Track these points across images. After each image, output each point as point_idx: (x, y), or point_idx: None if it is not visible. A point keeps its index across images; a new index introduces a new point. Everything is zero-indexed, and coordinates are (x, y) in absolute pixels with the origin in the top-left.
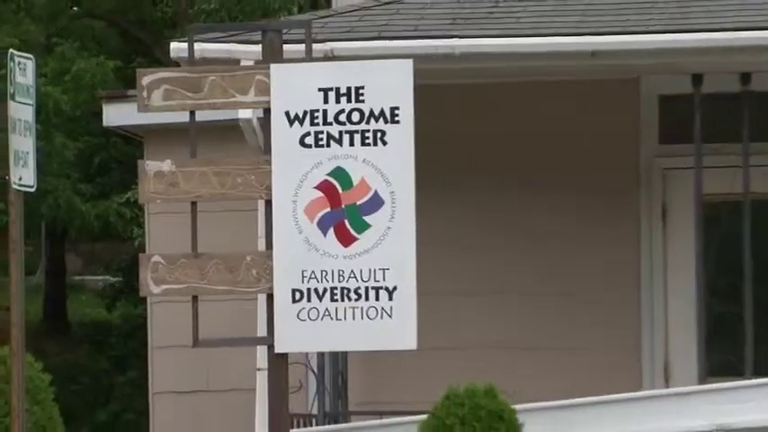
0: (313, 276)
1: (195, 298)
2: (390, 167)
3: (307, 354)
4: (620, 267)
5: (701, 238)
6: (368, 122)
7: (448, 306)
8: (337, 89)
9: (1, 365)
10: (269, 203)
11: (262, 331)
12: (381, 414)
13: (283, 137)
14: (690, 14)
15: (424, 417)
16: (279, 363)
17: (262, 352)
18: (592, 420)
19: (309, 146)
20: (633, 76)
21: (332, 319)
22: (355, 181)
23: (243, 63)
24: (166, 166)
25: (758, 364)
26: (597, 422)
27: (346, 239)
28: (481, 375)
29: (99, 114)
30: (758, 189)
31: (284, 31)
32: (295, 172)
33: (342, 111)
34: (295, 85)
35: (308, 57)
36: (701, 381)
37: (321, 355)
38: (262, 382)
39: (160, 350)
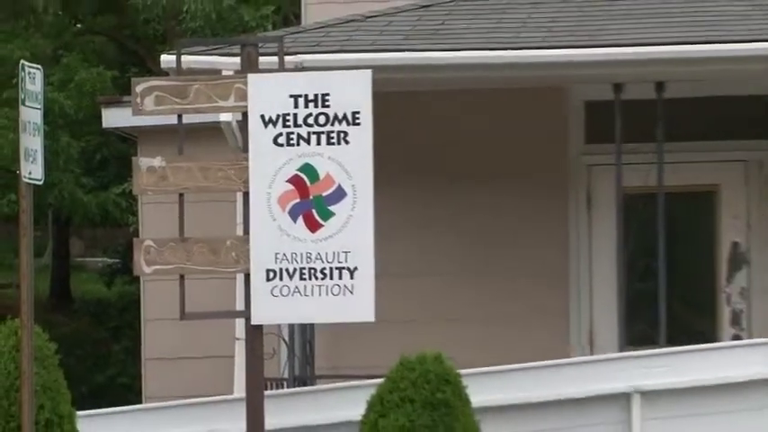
0: (284, 258)
1: (182, 277)
2: (352, 163)
3: (279, 325)
4: (551, 250)
5: (620, 224)
6: (332, 124)
7: (403, 285)
8: (306, 96)
9: (13, 336)
10: (246, 195)
11: (240, 306)
12: (344, 378)
13: (259, 137)
14: (611, 31)
15: (380, 380)
16: (254, 333)
17: (240, 324)
18: (527, 384)
19: (282, 145)
20: (562, 85)
21: (301, 295)
22: (321, 175)
23: (224, 73)
24: (157, 162)
25: (670, 334)
26: (531, 385)
27: (313, 226)
28: (431, 344)
29: (99, 117)
30: (670, 183)
31: (260, 45)
32: (269, 167)
33: (310, 114)
34: (269, 92)
35: (281, 67)
36: (621, 349)
37: (291, 326)
38: (240, 349)
39: (151, 322)
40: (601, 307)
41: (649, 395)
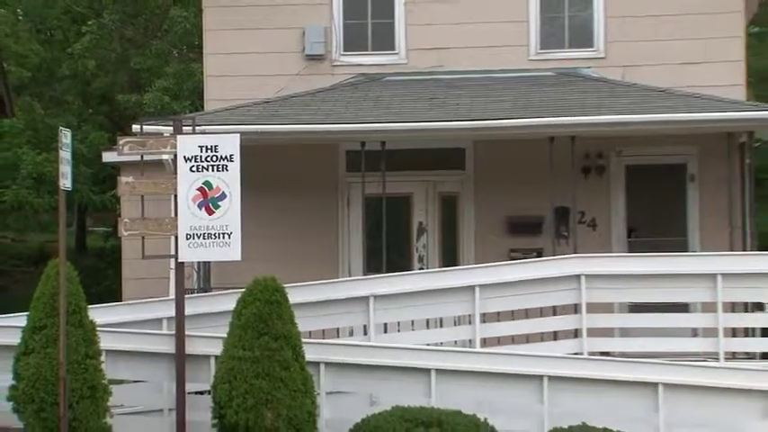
0: (195, 228)
1: (143, 237)
2: (229, 181)
3: (193, 262)
4: (329, 227)
5: (364, 213)
6: (219, 161)
7: (262, 242)
8: (206, 146)
9: (55, 267)
10: (176, 196)
11: (173, 252)
12: (226, 288)
13: (182, 167)
14: (361, 116)
15: (243, 289)
16: (180, 266)
17: (172, 261)
18: (316, 291)
19: (194, 171)
20: (336, 143)
21: (204, 247)
22: (214, 186)
23: (164, 134)
24: (130, 179)
25: (388, 268)
26: (320, 292)
27: (210, 212)
28: (271, 271)
29: (100, 157)
30: (389, 191)
31: (183, 120)
32: (187, 182)
33: (208, 156)
34: (188, 144)
35: (193, 132)
36: (364, 275)
37: (199, 263)
38: (172, 274)
39: (127, 261)
40: (354, 255)
41: (379, 297)
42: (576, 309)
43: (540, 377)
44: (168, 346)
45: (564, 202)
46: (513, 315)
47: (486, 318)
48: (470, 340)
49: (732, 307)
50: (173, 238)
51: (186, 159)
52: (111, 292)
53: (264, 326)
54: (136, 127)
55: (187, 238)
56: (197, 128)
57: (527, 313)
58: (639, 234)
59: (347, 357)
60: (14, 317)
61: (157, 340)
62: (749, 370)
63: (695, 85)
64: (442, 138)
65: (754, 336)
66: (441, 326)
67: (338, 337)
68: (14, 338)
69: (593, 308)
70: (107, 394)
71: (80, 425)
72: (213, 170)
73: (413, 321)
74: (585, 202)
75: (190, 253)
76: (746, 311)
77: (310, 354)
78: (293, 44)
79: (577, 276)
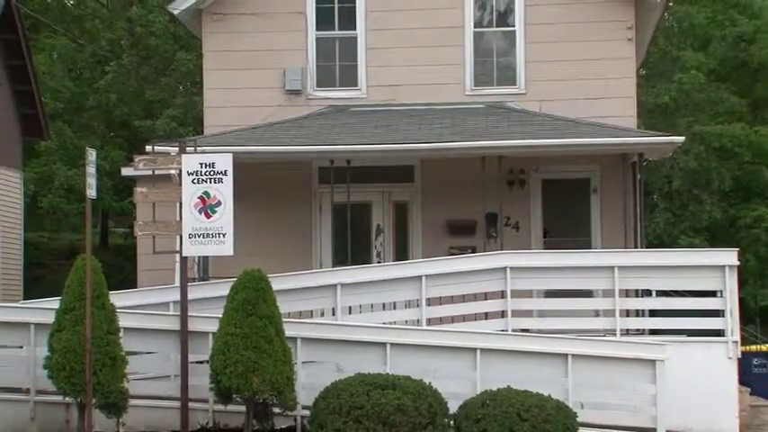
0: (196, 229)
1: (154, 237)
2: (224, 191)
3: (194, 256)
4: (305, 228)
5: (333, 218)
6: (216, 175)
7: (251, 240)
8: (205, 163)
9: (82, 261)
10: (181, 203)
11: (178, 247)
12: (221, 278)
13: (186, 179)
14: (332, 139)
15: (235, 278)
16: (184, 260)
17: (178, 255)
18: (294, 281)
19: (195, 183)
20: (311, 161)
21: (203, 244)
22: (212, 195)
23: (171, 153)
24: (144, 189)
25: (353, 262)
26: (295, 282)
27: (208, 216)
28: (257, 264)
29: (120, 171)
30: (354, 200)
31: (186, 142)
32: (190, 192)
33: (207, 171)
34: (190, 161)
35: (195, 152)
36: (333, 267)
37: (200, 257)
38: (177, 266)
39: (141, 255)
40: (324, 252)
41: (345, 285)
42: (502, 294)
43: (474, 349)
44: (174, 325)
45: (493, 208)
46: (452, 300)
47: (430, 302)
48: (418, 320)
49: (626, 293)
50: (178, 237)
51: (189, 174)
52: (128, 281)
53: (252, 308)
54: (149, 147)
55: (189, 237)
56: (198, 148)
57: (464, 298)
58: (553, 234)
59: (319, 334)
60: (50, 301)
61: (165, 320)
62: (640, 343)
63: (597, 116)
64: (395, 156)
65: (644, 316)
66: (394, 308)
67: (312, 317)
68: (50, 318)
69: (517, 294)
70: (124, 363)
71: (102, 388)
72: (211, 182)
73: (372, 305)
74: (510, 209)
75: (192, 249)
76: (638, 296)
77: (289, 330)
78: (276, 81)
79: (504, 268)
